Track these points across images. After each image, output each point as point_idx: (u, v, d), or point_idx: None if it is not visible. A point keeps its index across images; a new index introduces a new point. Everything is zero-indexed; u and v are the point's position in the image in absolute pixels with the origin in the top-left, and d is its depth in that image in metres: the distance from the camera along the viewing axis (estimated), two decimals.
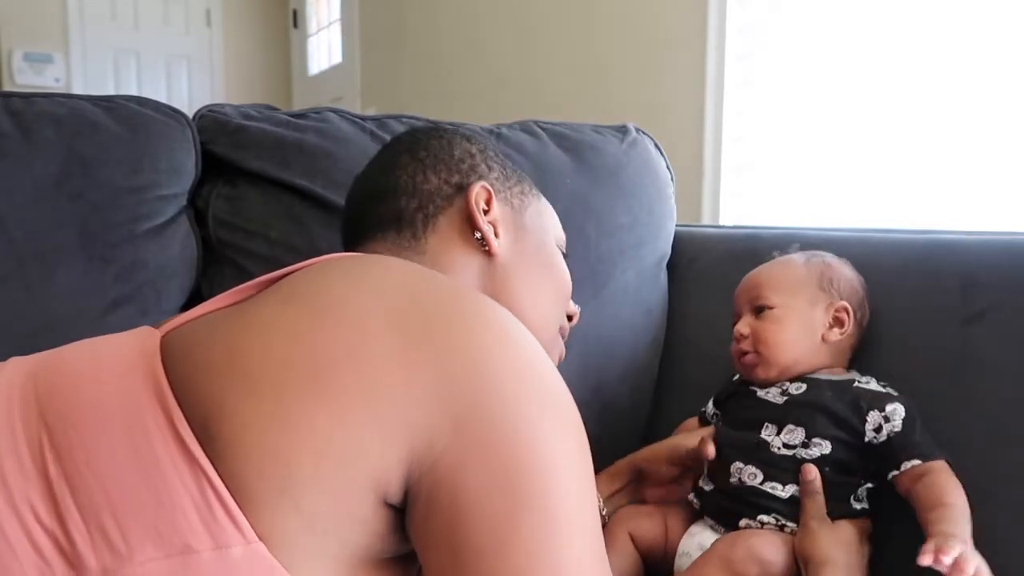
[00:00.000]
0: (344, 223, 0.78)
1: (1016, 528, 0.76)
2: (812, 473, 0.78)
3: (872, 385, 0.83)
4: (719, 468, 0.84)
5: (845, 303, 0.86)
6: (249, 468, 0.48)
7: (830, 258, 0.90)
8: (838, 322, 0.86)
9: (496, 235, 0.72)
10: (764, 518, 0.79)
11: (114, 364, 0.54)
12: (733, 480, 0.82)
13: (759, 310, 0.87)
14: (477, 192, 0.72)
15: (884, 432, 0.79)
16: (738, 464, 0.82)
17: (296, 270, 0.61)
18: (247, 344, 0.52)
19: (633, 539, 0.87)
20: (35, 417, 0.51)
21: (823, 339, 0.85)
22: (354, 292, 0.54)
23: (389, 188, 0.73)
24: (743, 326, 0.88)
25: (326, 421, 0.48)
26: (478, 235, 0.71)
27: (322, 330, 0.51)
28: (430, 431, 0.49)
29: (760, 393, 0.86)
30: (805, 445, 0.80)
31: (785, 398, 0.84)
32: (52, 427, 0.50)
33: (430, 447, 0.49)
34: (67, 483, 0.48)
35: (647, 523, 0.88)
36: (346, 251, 0.76)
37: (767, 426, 0.82)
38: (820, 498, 0.77)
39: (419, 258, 0.69)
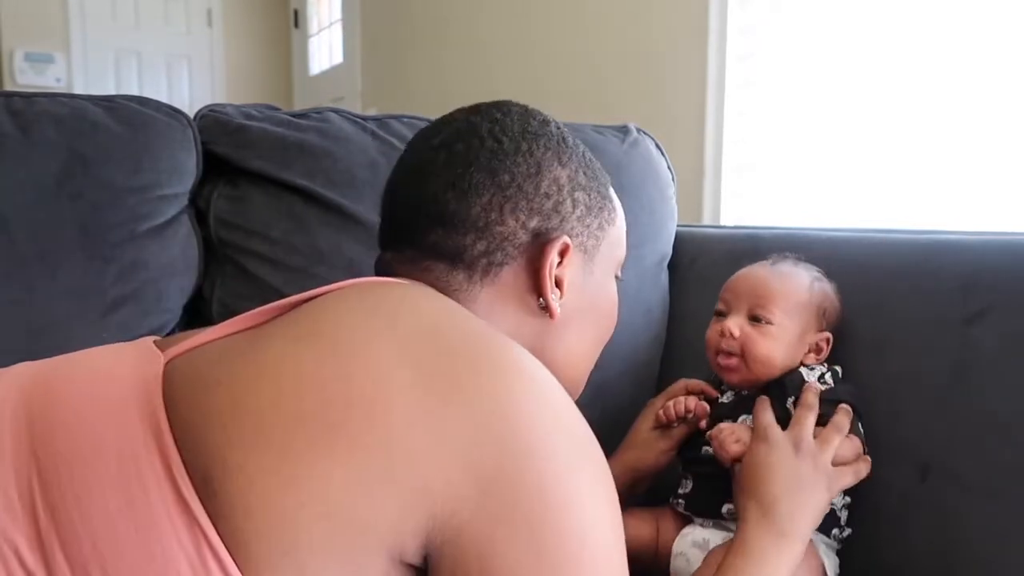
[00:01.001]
0: (389, 218, 0.68)
1: (1016, 528, 0.76)
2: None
3: (812, 374, 0.85)
4: (692, 456, 0.88)
5: (829, 334, 0.88)
6: (251, 528, 0.45)
7: (827, 285, 0.91)
8: (817, 349, 0.88)
9: (561, 295, 0.65)
10: None
11: (112, 394, 0.51)
12: (705, 456, 0.85)
13: (756, 318, 0.87)
14: (555, 254, 0.63)
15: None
16: (707, 449, 0.85)
17: (315, 296, 0.57)
18: (255, 389, 0.48)
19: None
20: (27, 450, 0.49)
21: (801, 362, 0.87)
22: (375, 338, 0.50)
23: (457, 216, 0.62)
24: (734, 326, 0.87)
25: (338, 483, 0.45)
26: (541, 302, 0.64)
27: (339, 380, 0.48)
28: (454, 499, 0.46)
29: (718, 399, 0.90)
30: None
31: (733, 398, 0.89)
32: (43, 464, 0.48)
33: (453, 515, 0.46)
34: (55, 529, 0.46)
35: (637, 527, 0.89)
36: (382, 247, 0.69)
37: (724, 422, 0.85)
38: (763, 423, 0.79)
39: (467, 305, 0.62)
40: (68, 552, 0.46)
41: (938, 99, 1.48)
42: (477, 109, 0.67)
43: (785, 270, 0.90)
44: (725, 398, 0.90)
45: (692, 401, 0.89)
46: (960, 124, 1.44)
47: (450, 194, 0.62)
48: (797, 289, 0.88)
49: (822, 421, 0.79)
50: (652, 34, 2.12)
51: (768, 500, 0.73)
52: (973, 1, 1.42)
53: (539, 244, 0.63)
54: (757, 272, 0.91)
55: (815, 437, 0.77)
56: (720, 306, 0.91)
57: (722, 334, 0.87)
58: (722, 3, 1.88)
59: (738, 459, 0.78)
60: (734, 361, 0.86)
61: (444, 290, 0.62)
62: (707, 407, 0.88)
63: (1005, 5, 1.38)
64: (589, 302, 0.68)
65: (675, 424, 0.90)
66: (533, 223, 0.63)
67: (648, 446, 0.92)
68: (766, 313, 0.86)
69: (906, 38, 1.52)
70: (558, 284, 0.64)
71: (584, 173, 0.67)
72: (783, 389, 0.84)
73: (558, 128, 0.67)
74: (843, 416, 0.80)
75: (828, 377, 0.85)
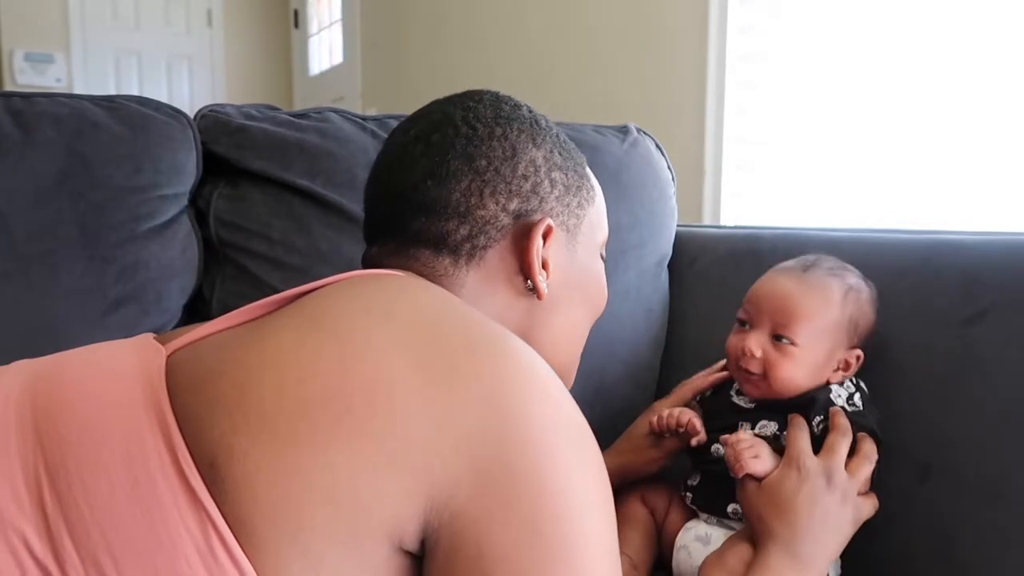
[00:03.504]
0: (373, 212, 0.69)
1: (1018, 528, 0.76)
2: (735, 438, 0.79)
3: (838, 392, 0.83)
4: (702, 454, 0.86)
5: (860, 351, 0.84)
6: (257, 513, 0.46)
7: (863, 294, 0.84)
8: (845, 366, 0.84)
9: (547, 275, 0.65)
10: None
11: (116, 385, 0.52)
12: (714, 455, 0.84)
13: (779, 337, 0.82)
14: (539, 235, 0.64)
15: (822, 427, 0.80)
16: (717, 447, 0.84)
17: (314, 289, 0.58)
18: (259, 378, 0.49)
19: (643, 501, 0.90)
20: (32, 441, 0.49)
21: (827, 380, 0.83)
22: (376, 328, 0.51)
23: (438, 203, 0.63)
24: (756, 346, 0.82)
25: (341, 469, 0.46)
26: (529, 284, 0.65)
27: (341, 369, 0.49)
28: (451, 483, 0.47)
29: (735, 399, 0.88)
30: (776, 437, 0.82)
31: (754, 403, 0.86)
32: (49, 454, 0.49)
33: (451, 498, 0.47)
34: (63, 517, 0.47)
35: (654, 494, 0.90)
36: (368, 241, 0.70)
37: (741, 425, 0.84)
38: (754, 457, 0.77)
39: (455, 290, 0.63)
40: (76, 540, 0.46)
41: (938, 98, 1.48)
42: (450, 100, 0.68)
43: (815, 281, 0.83)
44: (743, 401, 0.87)
45: (687, 416, 0.86)
46: (960, 124, 1.44)
47: (430, 182, 0.63)
48: (826, 307, 0.82)
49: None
50: (652, 34, 2.12)
51: (794, 533, 0.72)
52: (973, 1, 1.42)
53: (522, 226, 0.64)
54: (784, 284, 0.84)
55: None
56: (743, 314, 0.86)
57: (743, 351, 0.83)
58: (722, 2, 1.88)
59: (752, 476, 0.76)
60: (755, 378, 0.83)
61: (431, 276, 0.63)
62: (698, 426, 0.85)
63: (1005, 5, 1.38)
64: (576, 282, 0.69)
65: (667, 435, 0.89)
66: (513, 205, 0.64)
67: (639, 452, 0.91)
68: (790, 334, 0.81)
69: (907, 37, 1.52)
70: (544, 265, 0.65)
71: (559, 153, 0.68)
72: (811, 405, 0.81)
73: (530, 111, 0.68)
74: (871, 445, 0.78)
75: (857, 399, 0.83)
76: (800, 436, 0.78)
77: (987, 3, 1.41)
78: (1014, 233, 0.89)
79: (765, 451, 0.78)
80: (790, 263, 0.87)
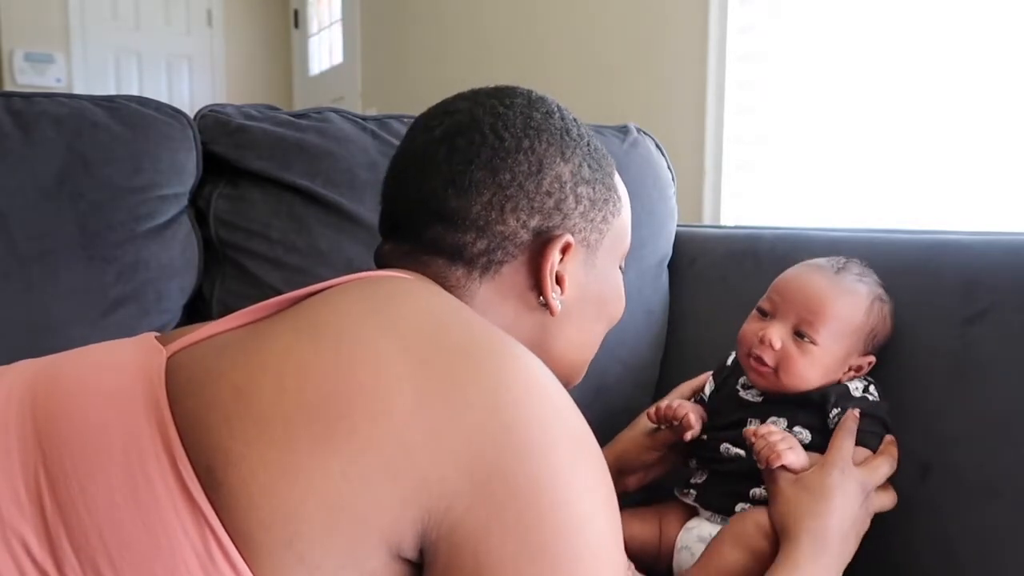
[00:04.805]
0: (390, 210, 0.67)
1: (1017, 528, 0.76)
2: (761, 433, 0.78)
3: (855, 386, 0.83)
4: (708, 452, 0.86)
5: (873, 358, 0.84)
6: (254, 519, 0.46)
7: (887, 307, 0.85)
8: (857, 369, 0.84)
9: (562, 291, 0.64)
10: (757, 491, 0.80)
11: (116, 387, 0.52)
12: (723, 455, 0.84)
13: (801, 334, 0.81)
14: (556, 253, 0.62)
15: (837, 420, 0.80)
16: (726, 445, 0.84)
17: (318, 291, 0.58)
18: (258, 381, 0.49)
19: (624, 542, 0.88)
20: (32, 441, 0.49)
21: (838, 381, 0.83)
22: (377, 333, 0.51)
23: (457, 214, 0.61)
24: (776, 337, 0.81)
25: (338, 476, 0.46)
26: (542, 300, 0.64)
27: (339, 374, 0.48)
28: (449, 493, 0.47)
29: (742, 394, 0.87)
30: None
31: (761, 397, 0.85)
32: (49, 456, 0.49)
33: (449, 510, 0.47)
34: (62, 520, 0.47)
35: (639, 525, 0.88)
36: (383, 236, 0.69)
37: (751, 421, 0.84)
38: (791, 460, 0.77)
39: (464, 300, 0.62)
40: (75, 543, 0.46)
41: (939, 98, 1.48)
42: (480, 97, 0.66)
43: (847, 286, 0.83)
44: (751, 396, 0.86)
45: (684, 410, 0.85)
46: (961, 123, 1.44)
47: (450, 191, 0.61)
48: (853, 312, 0.82)
49: (861, 439, 0.78)
50: (652, 34, 2.12)
51: (831, 534, 0.72)
52: (973, 1, 1.42)
53: (540, 242, 0.63)
54: (816, 281, 0.83)
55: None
56: (765, 304, 0.85)
57: (761, 340, 0.82)
58: (722, 3, 1.88)
59: (787, 467, 0.75)
60: (766, 370, 0.82)
61: (442, 285, 0.62)
62: (693, 422, 0.85)
63: (1005, 5, 1.38)
64: (592, 296, 0.68)
65: (662, 427, 0.89)
66: (534, 222, 0.62)
67: (636, 441, 0.92)
68: (813, 332, 0.81)
69: (907, 37, 1.52)
70: (559, 281, 0.64)
71: (588, 166, 0.65)
72: (824, 401, 0.81)
73: (562, 119, 0.66)
74: (894, 448, 0.79)
75: (873, 389, 0.83)
76: (847, 442, 0.77)
77: (987, 3, 1.41)
78: (1014, 233, 0.89)
79: (796, 443, 0.77)
80: (821, 261, 0.87)
